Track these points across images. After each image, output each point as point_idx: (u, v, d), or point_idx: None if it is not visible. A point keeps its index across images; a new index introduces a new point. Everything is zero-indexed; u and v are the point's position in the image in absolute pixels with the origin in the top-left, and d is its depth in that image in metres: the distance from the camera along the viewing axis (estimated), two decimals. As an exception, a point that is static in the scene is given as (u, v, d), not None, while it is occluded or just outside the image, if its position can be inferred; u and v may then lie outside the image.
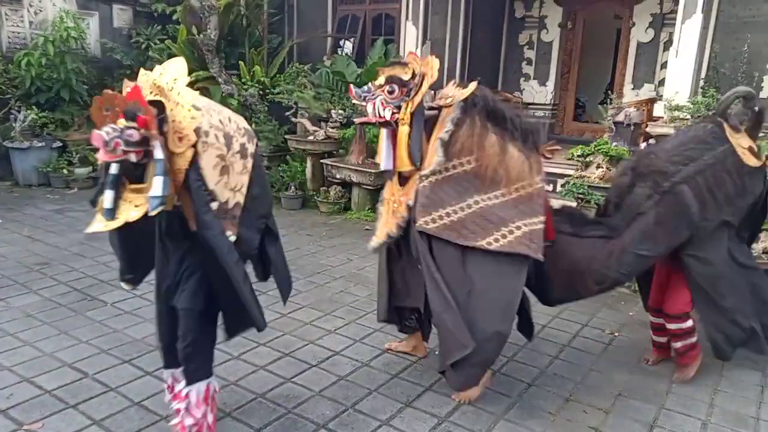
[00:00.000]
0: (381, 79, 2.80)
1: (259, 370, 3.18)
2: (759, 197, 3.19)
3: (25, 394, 2.85)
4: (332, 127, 7.25)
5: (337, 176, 6.95)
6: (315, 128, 7.40)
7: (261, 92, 8.16)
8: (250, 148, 2.32)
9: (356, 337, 3.61)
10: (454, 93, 2.82)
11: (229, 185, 2.21)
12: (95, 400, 2.83)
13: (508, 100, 7.94)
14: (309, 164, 7.44)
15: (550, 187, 5.16)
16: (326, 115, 7.42)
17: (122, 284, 2.64)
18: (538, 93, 8.64)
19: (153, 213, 2.00)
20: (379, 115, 2.77)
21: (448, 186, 2.72)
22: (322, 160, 7.21)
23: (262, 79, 8.36)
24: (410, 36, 7.91)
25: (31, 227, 5.75)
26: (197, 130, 2.08)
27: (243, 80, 8.31)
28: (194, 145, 2.07)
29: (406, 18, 8.11)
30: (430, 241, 2.73)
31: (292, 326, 3.74)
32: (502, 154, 2.73)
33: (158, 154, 2.00)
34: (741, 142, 3.08)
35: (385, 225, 2.92)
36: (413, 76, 2.78)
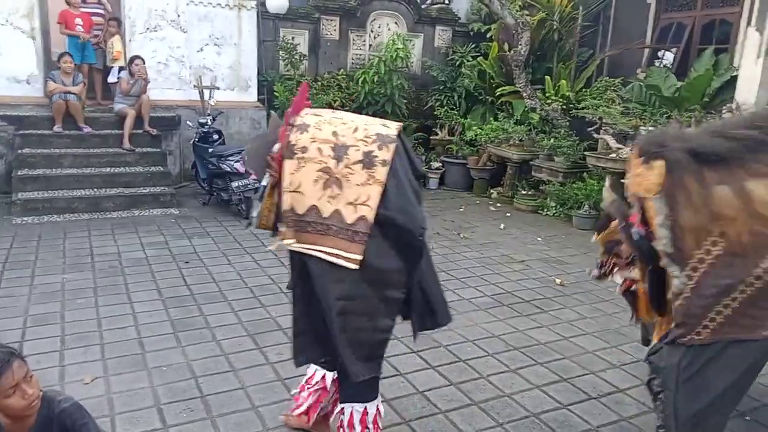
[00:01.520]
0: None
1: (535, 389, 3.13)
2: None
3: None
4: (640, 146, 6.69)
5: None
6: (618, 145, 6.94)
7: (564, 107, 8.01)
8: (382, 156, 2.07)
9: (645, 378, 3.27)
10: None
11: (343, 199, 2.05)
12: (386, 381, 3.16)
13: None
14: (607, 183, 7.00)
15: None
16: (633, 132, 6.88)
17: None
18: None
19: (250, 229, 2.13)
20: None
21: (708, 290, 2.02)
22: (622, 180, 6.71)
23: (566, 93, 8.21)
24: (751, 43, 6.79)
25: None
26: (290, 147, 2.08)
27: (547, 94, 8.28)
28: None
29: (748, 23, 7.00)
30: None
31: (573, 351, 3.58)
32: (746, 202, 1.99)
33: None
34: None
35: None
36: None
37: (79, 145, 7.06)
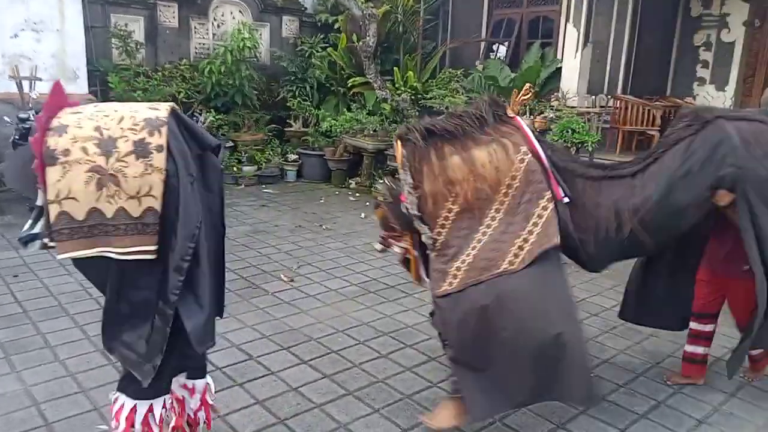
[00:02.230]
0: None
1: (406, 372, 3.22)
2: None
3: (200, 368, 3.16)
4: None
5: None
6: (465, 133, 7.38)
7: (413, 97, 8.31)
8: (156, 141, 1.94)
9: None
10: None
11: (124, 195, 1.91)
12: (258, 381, 3.06)
13: (677, 105, 7.27)
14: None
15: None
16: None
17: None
18: (715, 98, 7.82)
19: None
20: None
21: (453, 244, 2.48)
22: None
23: (414, 84, 8.52)
24: (570, 39, 7.59)
25: (206, 218, 6.39)
26: (49, 156, 1.87)
27: (396, 85, 8.53)
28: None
29: (567, 20, 7.79)
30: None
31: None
32: (470, 167, 2.45)
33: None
34: None
35: None
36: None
37: None
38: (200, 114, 8.49)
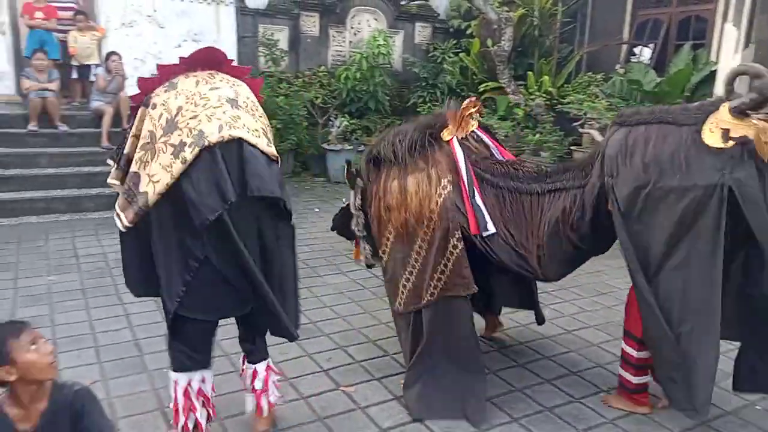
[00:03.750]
0: None
1: (545, 384, 3.12)
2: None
3: (340, 359, 3.29)
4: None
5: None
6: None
7: (548, 102, 8.07)
8: (186, 154, 2.07)
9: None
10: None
11: (147, 168, 2.13)
12: (395, 377, 3.11)
13: None
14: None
15: None
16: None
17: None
18: None
19: None
20: None
21: (393, 265, 2.83)
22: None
23: (549, 89, 8.27)
24: (728, 39, 6.95)
25: (339, 217, 6.66)
26: (147, 99, 2.21)
27: (530, 90, 8.33)
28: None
29: (724, 19, 7.16)
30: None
31: (578, 345, 3.59)
32: (403, 195, 2.70)
33: None
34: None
35: None
36: None
37: (56, 143, 6.82)
38: (336, 118, 8.86)
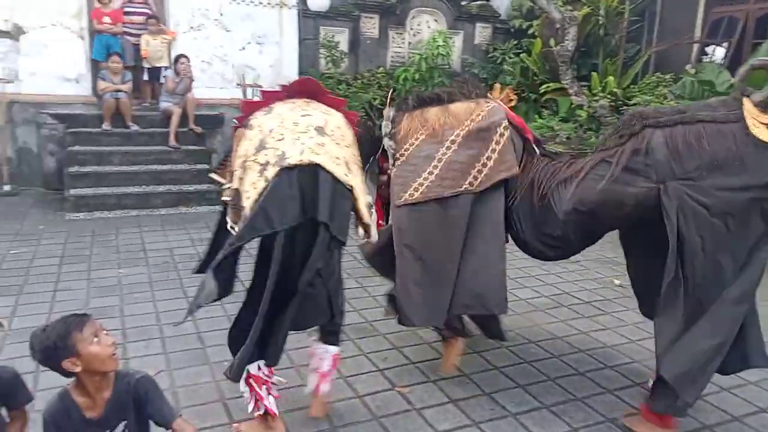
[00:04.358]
0: None
1: (607, 393, 3.02)
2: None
3: (396, 359, 3.29)
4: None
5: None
6: (672, 143, 6.73)
7: (612, 104, 7.81)
8: (268, 174, 2.23)
9: (726, 383, 3.12)
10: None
11: (243, 184, 2.30)
12: (451, 380, 3.09)
13: None
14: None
15: None
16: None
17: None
18: None
19: None
20: None
21: (414, 162, 2.81)
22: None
23: (614, 89, 8.00)
24: (813, 37, 6.52)
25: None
26: (248, 121, 2.42)
27: (594, 91, 8.09)
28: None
29: (809, 16, 6.71)
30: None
31: (643, 356, 3.45)
32: (444, 109, 2.84)
33: None
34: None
35: None
36: None
37: (127, 142, 7.16)
38: (393, 119, 8.88)
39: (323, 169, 2.28)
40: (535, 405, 2.90)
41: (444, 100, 2.87)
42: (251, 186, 2.25)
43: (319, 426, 2.65)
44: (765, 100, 2.32)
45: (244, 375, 2.42)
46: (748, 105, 2.39)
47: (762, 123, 2.36)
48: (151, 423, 2.02)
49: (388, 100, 3.17)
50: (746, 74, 2.66)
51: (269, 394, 2.47)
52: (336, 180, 2.31)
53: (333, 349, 2.66)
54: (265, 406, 2.45)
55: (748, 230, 2.39)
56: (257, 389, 2.44)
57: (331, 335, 2.67)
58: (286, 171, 2.23)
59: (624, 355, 3.44)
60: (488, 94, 3.01)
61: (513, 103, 3.13)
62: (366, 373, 3.14)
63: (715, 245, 2.37)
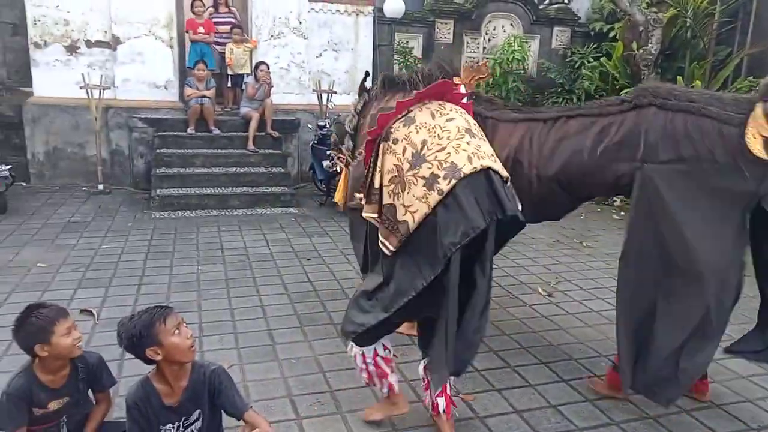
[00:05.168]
0: None
1: (682, 414, 2.87)
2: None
3: (460, 367, 3.28)
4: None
5: None
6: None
7: (699, 109, 7.40)
8: (442, 186, 2.16)
9: None
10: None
11: (400, 199, 2.26)
12: (516, 390, 3.05)
13: None
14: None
15: None
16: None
17: None
18: None
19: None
20: None
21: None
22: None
23: (701, 95, 7.59)
24: None
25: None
26: (387, 134, 2.34)
27: (679, 97, 7.70)
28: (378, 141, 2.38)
29: None
30: None
31: (724, 376, 3.26)
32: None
33: None
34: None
35: None
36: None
37: (209, 146, 7.52)
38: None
39: (492, 170, 2.25)
40: (604, 421, 2.81)
41: (407, 89, 2.71)
42: (418, 200, 2.21)
43: (382, 427, 2.69)
44: None
45: (371, 354, 2.58)
46: (758, 111, 2.32)
47: (762, 135, 2.30)
48: (223, 414, 2.13)
49: (359, 88, 3.29)
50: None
51: (392, 372, 2.64)
52: (501, 176, 2.30)
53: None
54: (390, 383, 2.63)
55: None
56: (384, 367, 2.61)
57: None
58: (463, 180, 2.18)
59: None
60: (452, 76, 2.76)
61: (485, 78, 3.22)
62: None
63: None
